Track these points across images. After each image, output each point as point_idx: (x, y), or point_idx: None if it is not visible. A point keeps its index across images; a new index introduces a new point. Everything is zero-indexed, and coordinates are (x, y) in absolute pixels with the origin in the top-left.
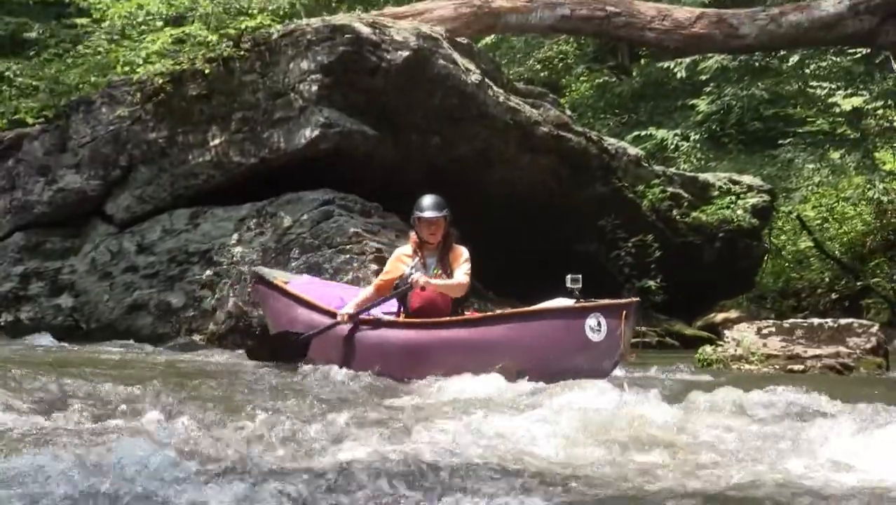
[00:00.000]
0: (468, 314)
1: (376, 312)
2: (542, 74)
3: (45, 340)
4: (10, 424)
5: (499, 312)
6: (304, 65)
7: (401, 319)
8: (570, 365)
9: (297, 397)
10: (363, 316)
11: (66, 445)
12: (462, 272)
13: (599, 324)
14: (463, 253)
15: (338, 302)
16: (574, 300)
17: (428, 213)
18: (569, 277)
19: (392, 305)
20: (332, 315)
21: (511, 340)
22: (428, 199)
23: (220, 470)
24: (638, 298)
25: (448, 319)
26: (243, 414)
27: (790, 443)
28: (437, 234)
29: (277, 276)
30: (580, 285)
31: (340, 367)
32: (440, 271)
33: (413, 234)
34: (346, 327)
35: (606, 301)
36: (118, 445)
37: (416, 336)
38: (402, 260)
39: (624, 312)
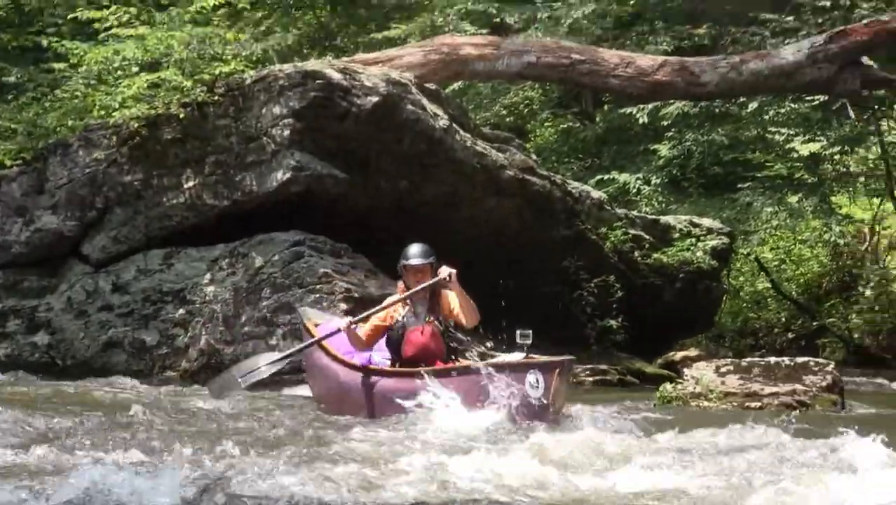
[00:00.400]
0: (461, 362)
1: (378, 360)
2: (507, 120)
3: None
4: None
5: (451, 365)
6: (277, 110)
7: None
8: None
9: (260, 430)
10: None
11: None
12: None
13: (538, 380)
14: (453, 296)
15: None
16: (523, 355)
17: (414, 261)
18: (518, 332)
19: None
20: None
21: (463, 392)
22: (414, 248)
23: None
24: (572, 357)
25: (407, 370)
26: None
27: (740, 480)
28: (424, 282)
29: (311, 316)
30: (529, 341)
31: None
32: (432, 318)
33: (401, 284)
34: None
35: (544, 359)
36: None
37: (379, 382)
38: (390, 310)
39: (557, 370)
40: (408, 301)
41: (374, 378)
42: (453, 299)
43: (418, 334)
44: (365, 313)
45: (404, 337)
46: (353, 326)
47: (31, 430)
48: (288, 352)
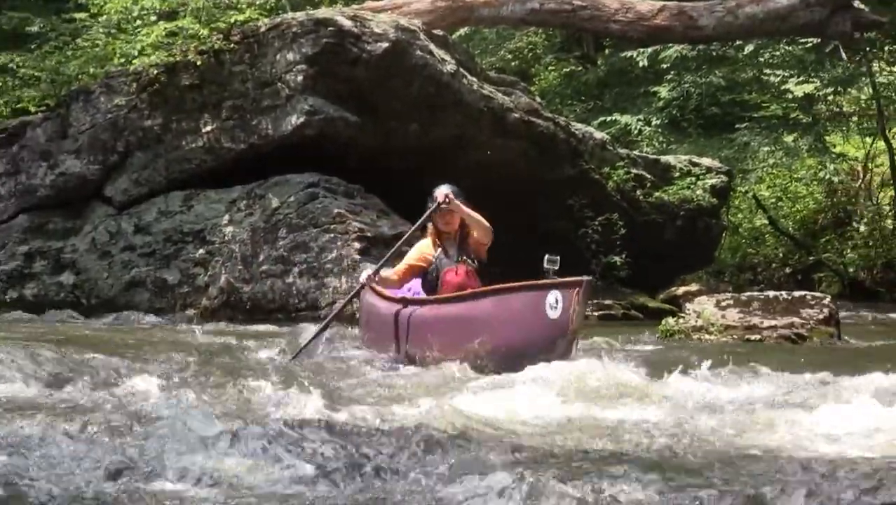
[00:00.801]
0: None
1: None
2: (513, 64)
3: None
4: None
5: (477, 289)
6: (290, 56)
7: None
8: (532, 340)
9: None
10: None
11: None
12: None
13: (557, 301)
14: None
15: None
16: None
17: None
18: (546, 256)
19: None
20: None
21: (489, 314)
22: (442, 189)
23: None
24: (590, 277)
25: (439, 297)
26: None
27: (740, 411)
28: (453, 223)
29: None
30: (557, 267)
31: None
32: (465, 257)
33: (430, 227)
34: (374, 305)
35: (563, 279)
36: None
37: (414, 312)
38: (424, 252)
39: (577, 290)
40: (438, 242)
41: (411, 307)
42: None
43: (453, 274)
44: (380, 263)
45: (440, 278)
46: (375, 276)
47: (83, 367)
48: (325, 321)
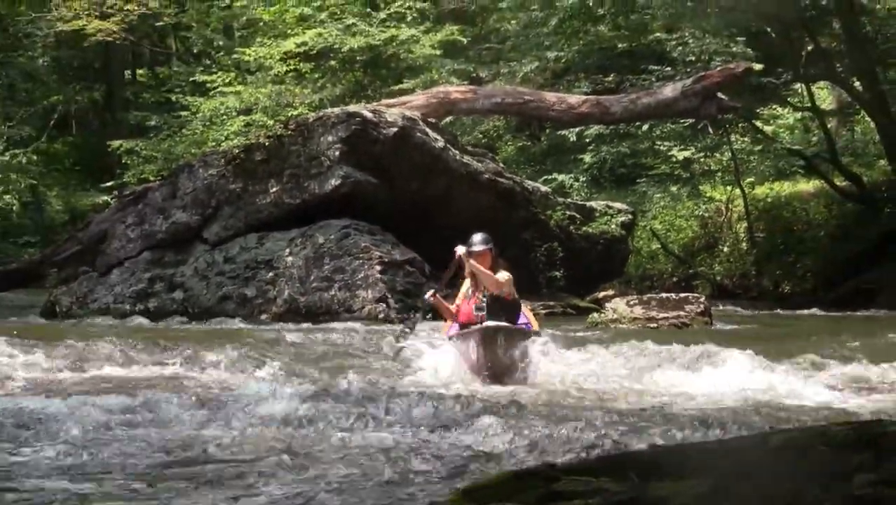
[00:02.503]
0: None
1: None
2: (483, 140)
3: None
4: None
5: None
6: (330, 138)
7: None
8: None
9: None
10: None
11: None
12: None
13: (475, 345)
14: (504, 276)
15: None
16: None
17: (475, 248)
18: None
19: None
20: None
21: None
22: (476, 237)
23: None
24: (499, 325)
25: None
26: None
27: (641, 374)
28: (483, 265)
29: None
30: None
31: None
32: (478, 293)
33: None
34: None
35: (476, 327)
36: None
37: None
38: (463, 289)
39: (482, 337)
40: (471, 280)
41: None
42: (504, 273)
43: (467, 305)
44: (439, 285)
45: (461, 309)
46: (434, 295)
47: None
48: (406, 334)
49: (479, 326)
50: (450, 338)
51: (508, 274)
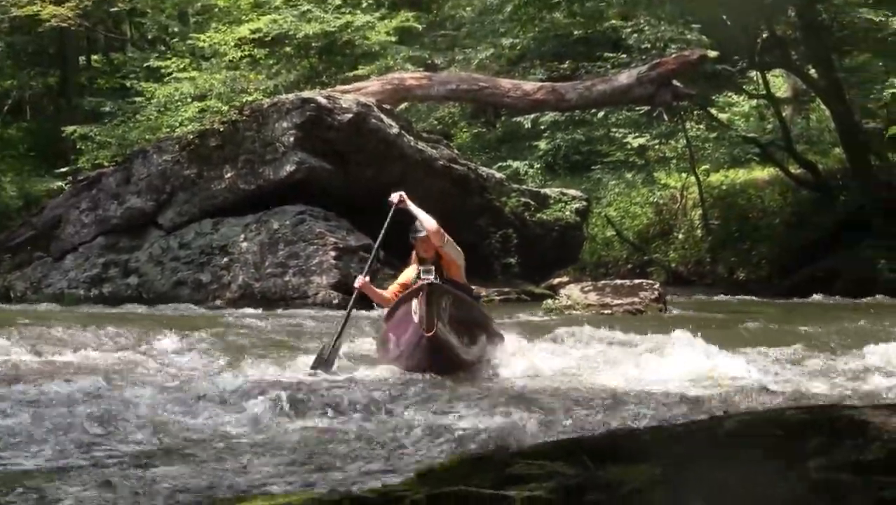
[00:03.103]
0: None
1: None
2: (438, 127)
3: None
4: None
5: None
6: (284, 124)
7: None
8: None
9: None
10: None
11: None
12: (448, 270)
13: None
14: (450, 255)
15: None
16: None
17: (421, 233)
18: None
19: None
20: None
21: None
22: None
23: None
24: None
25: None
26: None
27: (594, 359)
28: (429, 250)
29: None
30: (431, 276)
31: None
32: (436, 276)
33: (413, 255)
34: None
35: (420, 283)
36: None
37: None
38: (408, 276)
39: (421, 294)
40: (418, 265)
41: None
42: (449, 257)
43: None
44: (365, 270)
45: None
46: (366, 279)
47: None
48: (338, 331)
49: (424, 282)
50: (387, 317)
51: (459, 250)
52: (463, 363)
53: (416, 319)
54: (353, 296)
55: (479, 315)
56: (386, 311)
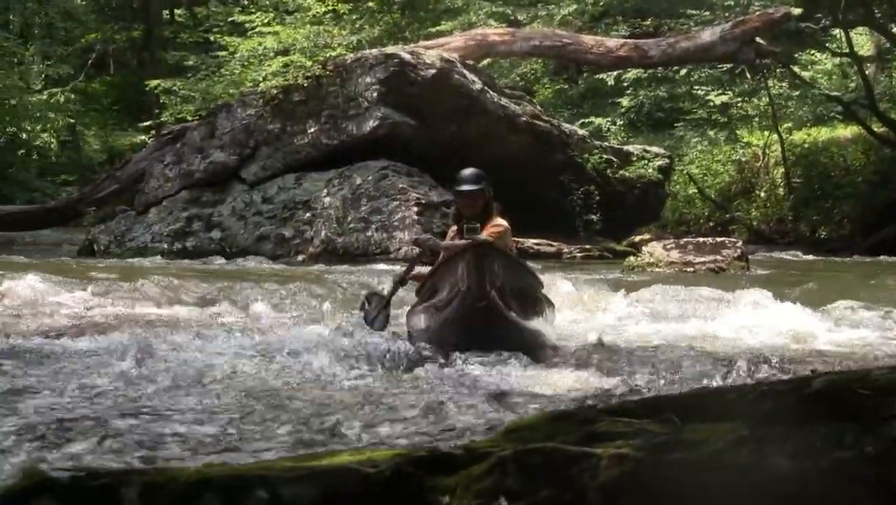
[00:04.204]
0: None
1: None
2: (520, 83)
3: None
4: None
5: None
6: (368, 79)
7: None
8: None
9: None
10: None
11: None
12: (486, 234)
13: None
14: (499, 224)
15: None
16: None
17: (464, 187)
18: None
19: None
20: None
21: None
22: (465, 173)
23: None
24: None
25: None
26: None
27: (679, 316)
28: (473, 207)
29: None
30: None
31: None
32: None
33: (454, 208)
34: None
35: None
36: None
37: None
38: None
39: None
40: (459, 225)
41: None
42: (499, 224)
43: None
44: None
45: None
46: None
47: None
48: (388, 293)
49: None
50: (419, 289)
51: (504, 223)
52: (518, 339)
53: (462, 285)
54: (408, 268)
55: (532, 281)
56: (417, 285)
